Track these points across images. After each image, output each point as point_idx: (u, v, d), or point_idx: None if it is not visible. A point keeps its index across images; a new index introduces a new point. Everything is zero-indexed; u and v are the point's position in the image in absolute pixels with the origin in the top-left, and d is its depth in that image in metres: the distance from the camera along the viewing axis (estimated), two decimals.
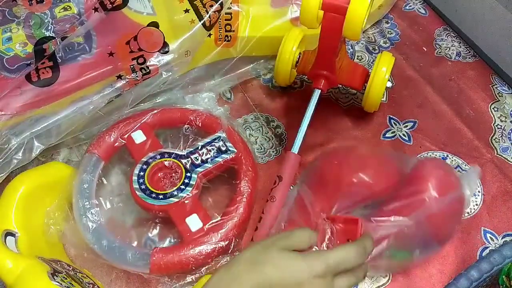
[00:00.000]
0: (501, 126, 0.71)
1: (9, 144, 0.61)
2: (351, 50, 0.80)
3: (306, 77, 0.72)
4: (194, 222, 0.57)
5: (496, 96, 0.74)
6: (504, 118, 0.71)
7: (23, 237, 0.53)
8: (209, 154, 0.61)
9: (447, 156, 0.68)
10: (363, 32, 0.81)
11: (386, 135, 0.70)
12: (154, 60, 0.64)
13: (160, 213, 0.58)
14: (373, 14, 0.80)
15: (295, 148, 0.62)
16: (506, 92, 0.74)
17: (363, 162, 0.58)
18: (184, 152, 0.61)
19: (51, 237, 0.57)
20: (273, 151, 0.69)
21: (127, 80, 0.64)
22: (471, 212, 0.63)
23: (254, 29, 0.70)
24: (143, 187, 0.58)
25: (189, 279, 0.55)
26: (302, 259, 0.43)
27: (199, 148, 0.62)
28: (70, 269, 0.54)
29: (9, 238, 0.52)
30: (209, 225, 0.57)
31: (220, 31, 0.69)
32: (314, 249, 0.46)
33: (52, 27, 0.68)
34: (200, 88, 0.71)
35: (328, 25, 0.57)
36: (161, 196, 0.58)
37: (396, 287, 0.58)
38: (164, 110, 0.65)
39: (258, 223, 0.59)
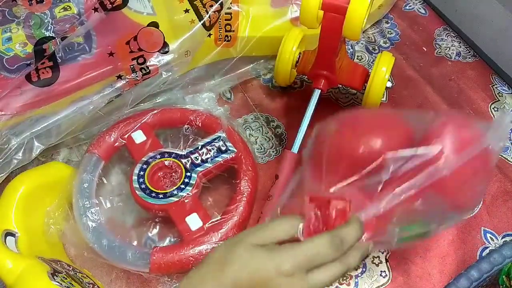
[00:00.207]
0: None
1: (9, 144, 0.61)
2: (351, 50, 0.80)
3: (306, 77, 0.72)
4: (194, 222, 0.57)
5: (496, 96, 0.74)
6: None
7: (23, 237, 0.53)
8: (209, 153, 0.61)
9: None
10: (363, 32, 0.81)
11: None
12: (154, 60, 0.64)
13: (160, 212, 0.58)
14: (373, 14, 0.80)
15: (295, 148, 0.62)
16: (506, 92, 0.74)
17: (369, 126, 0.49)
18: (184, 152, 0.61)
19: (51, 237, 0.57)
20: (273, 151, 0.69)
21: (127, 80, 0.64)
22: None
23: (254, 29, 0.70)
24: (143, 186, 0.58)
25: None
26: (269, 257, 0.39)
27: (199, 148, 0.62)
28: (70, 269, 0.54)
29: (9, 238, 0.52)
30: (209, 224, 0.57)
31: (220, 31, 0.69)
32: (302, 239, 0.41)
33: (52, 27, 0.68)
34: (200, 88, 0.71)
35: (328, 25, 0.57)
36: (161, 196, 0.58)
37: (396, 287, 0.58)
38: (164, 110, 0.65)
39: (258, 223, 0.59)
